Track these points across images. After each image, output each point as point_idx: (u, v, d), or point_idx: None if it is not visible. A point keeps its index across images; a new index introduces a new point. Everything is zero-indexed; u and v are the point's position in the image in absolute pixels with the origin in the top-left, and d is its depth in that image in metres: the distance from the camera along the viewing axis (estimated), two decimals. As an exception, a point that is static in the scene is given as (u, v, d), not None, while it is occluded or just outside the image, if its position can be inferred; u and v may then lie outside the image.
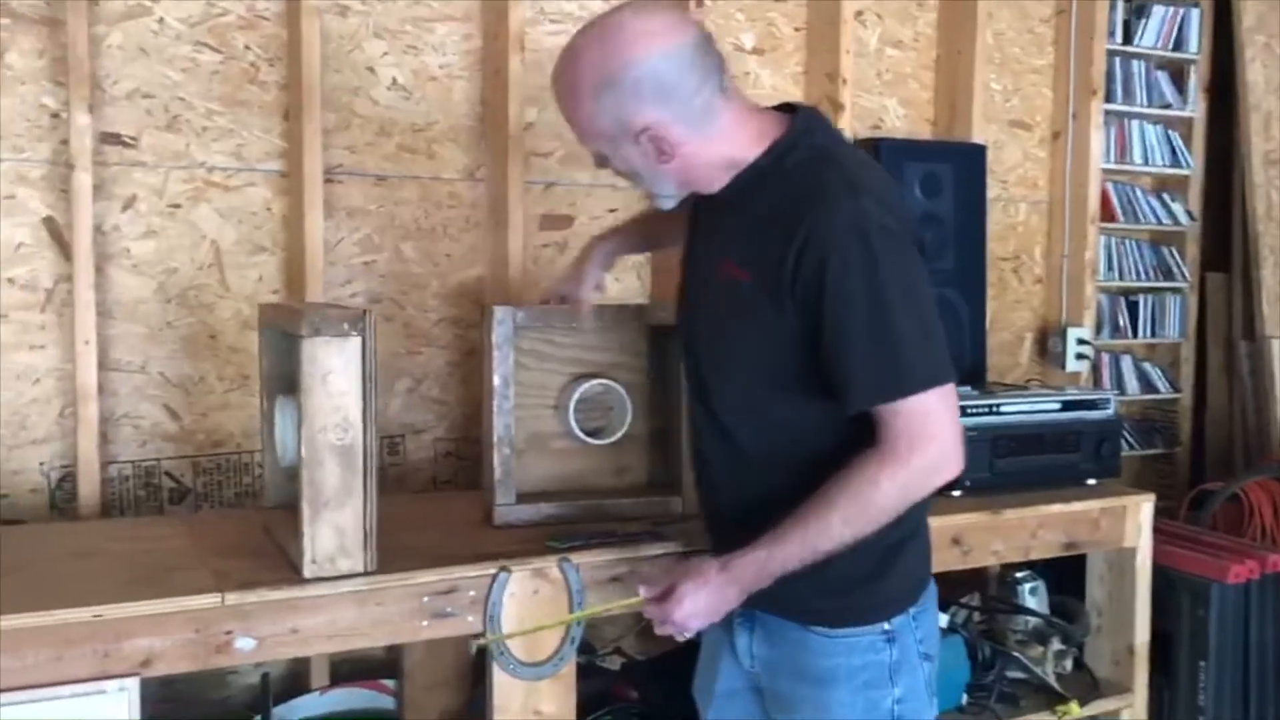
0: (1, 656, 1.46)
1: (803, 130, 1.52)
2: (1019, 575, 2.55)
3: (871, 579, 1.54)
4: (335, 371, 1.62)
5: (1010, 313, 3.31)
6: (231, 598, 1.60)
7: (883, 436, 1.43)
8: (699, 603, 1.50)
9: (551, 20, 2.59)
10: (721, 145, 1.50)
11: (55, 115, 2.15)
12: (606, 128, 1.48)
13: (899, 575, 1.57)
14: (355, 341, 1.63)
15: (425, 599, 1.73)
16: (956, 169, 2.78)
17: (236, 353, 2.33)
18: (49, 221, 2.17)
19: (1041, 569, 2.58)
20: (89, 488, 2.15)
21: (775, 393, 1.51)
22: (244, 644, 1.61)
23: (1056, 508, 2.34)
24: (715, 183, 1.54)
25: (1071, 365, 3.26)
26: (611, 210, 2.68)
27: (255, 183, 2.34)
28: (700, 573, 1.51)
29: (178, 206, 2.28)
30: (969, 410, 2.37)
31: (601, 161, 1.56)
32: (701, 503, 1.72)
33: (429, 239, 2.52)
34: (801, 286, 1.42)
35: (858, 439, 1.45)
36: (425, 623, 1.73)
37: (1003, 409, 2.43)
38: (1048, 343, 3.33)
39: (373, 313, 1.66)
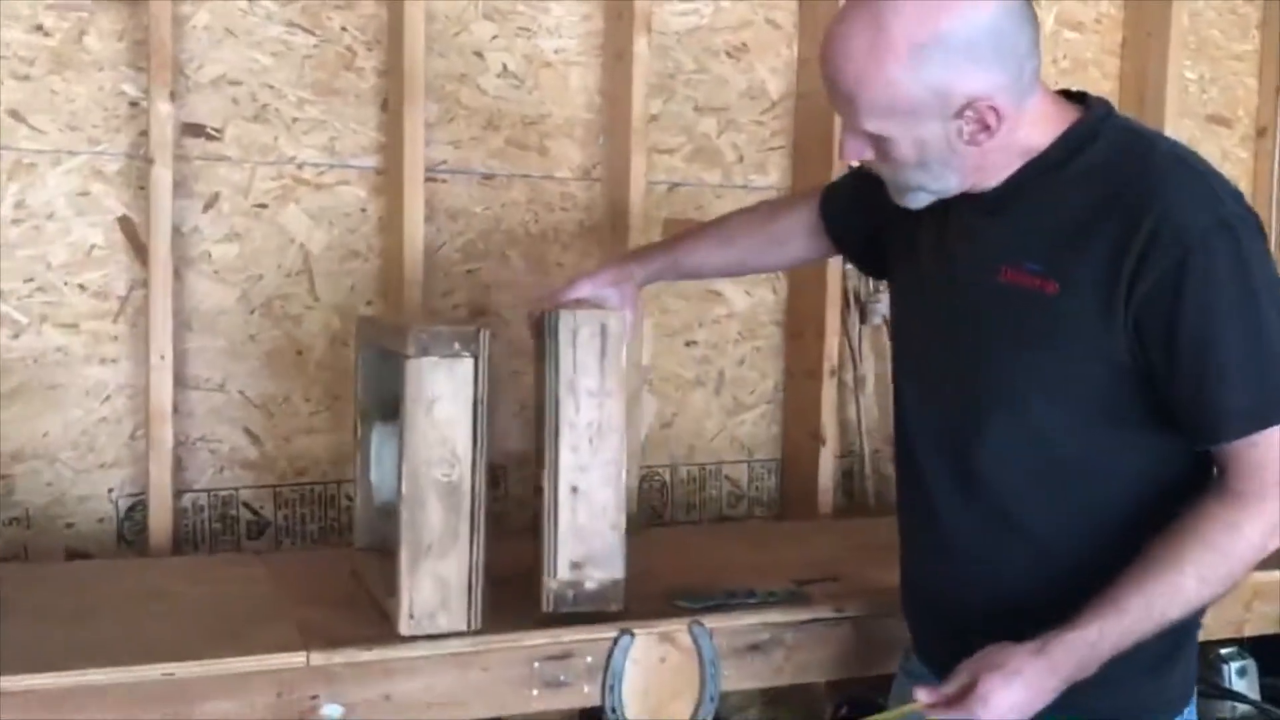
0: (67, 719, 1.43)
1: (1101, 117, 1.38)
2: (1224, 653, 2.39)
3: (1158, 670, 1.37)
4: (443, 398, 1.55)
5: (1203, 338, 3.14)
6: (317, 657, 1.54)
7: (1238, 474, 1.29)
8: (1011, 698, 1.31)
9: (683, -1, 2.51)
10: (1027, 127, 1.35)
11: (134, 104, 2.12)
12: (915, 100, 1.28)
13: (1184, 664, 1.41)
14: (467, 363, 1.55)
15: (536, 664, 1.65)
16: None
17: (325, 370, 2.29)
18: (124, 222, 2.14)
19: (1251, 646, 2.40)
20: (160, 518, 2.12)
21: (1081, 430, 1.35)
22: (331, 711, 1.55)
23: (1275, 575, 2.13)
24: (1003, 173, 1.37)
25: (1278, 402, 3.06)
26: (745, 215, 2.58)
27: (349, 181, 2.29)
28: (1008, 663, 1.32)
29: (264, 206, 2.24)
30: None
31: (870, 147, 1.35)
32: (911, 593, 1.56)
33: (539, 245, 2.45)
34: (1145, 294, 1.27)
35: (1173, 490, 1.33)
36: (535, 692, 1.66)
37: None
38: (1248, 374, 3.14)
39: (487, 330, 1.57)
